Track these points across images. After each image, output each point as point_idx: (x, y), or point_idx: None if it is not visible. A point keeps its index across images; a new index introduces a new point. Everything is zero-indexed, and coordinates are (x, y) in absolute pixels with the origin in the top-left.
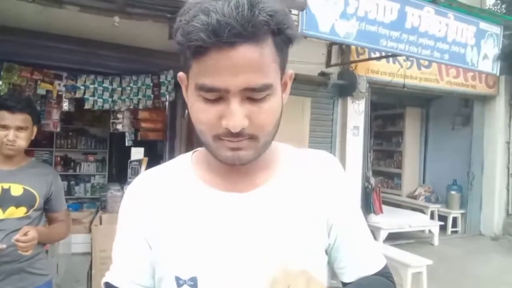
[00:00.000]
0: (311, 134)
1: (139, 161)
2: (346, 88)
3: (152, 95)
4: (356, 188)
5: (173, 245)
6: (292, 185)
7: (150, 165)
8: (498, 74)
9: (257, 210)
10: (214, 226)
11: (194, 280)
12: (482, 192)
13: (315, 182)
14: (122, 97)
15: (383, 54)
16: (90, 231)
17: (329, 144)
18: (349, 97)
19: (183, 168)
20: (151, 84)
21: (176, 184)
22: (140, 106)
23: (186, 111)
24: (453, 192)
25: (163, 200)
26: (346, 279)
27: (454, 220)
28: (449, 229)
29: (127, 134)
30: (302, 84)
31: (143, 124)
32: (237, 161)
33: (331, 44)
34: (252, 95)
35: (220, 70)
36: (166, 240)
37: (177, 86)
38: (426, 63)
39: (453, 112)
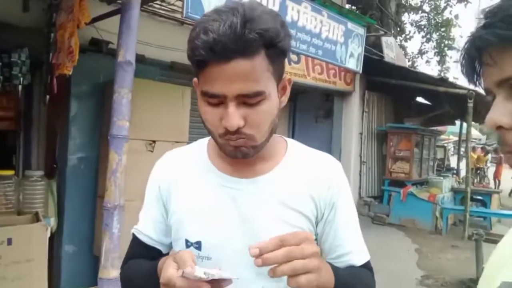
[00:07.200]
0: (191, 125)
1: None
2: None
3: (1, 77)
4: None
5: (186, 215)
6: (290, 176)
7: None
8: (361, 71)
9: (255, 194)
10: (219, 203)
11: (199, 243)
12: None
13: (312, 177)
14: None
15: None
16: None
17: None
18: None
19: (200, 152)
20: (0, 64)
21: (192, 166)
22: None
23: (48, 97)
24: None
25: (180, 178)
26: None
27: None
28: None
29: None
30: (181, 73)
31: None
32: (239, 156)
33: None
34: (246, 100)
35: (218, 80)
36: (181, 211)
37: (33, 68)
38: (296, 58)
39: (317, 106)
